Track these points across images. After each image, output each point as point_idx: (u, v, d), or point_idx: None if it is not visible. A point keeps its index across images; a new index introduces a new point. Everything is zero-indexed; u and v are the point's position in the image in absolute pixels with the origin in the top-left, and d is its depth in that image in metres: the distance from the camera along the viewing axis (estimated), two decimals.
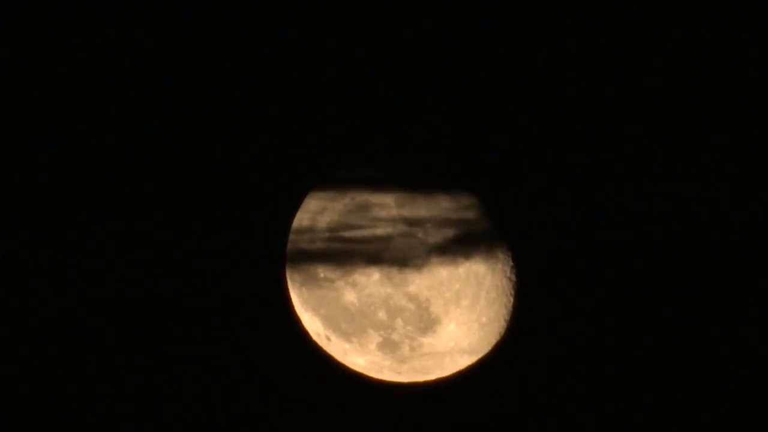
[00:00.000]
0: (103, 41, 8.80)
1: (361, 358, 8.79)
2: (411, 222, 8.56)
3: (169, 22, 8.83)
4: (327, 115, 8.85)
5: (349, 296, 8.59)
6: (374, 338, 8.67)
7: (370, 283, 8.55)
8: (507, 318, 8.83)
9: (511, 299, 8.80)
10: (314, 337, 8.84)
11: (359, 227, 8.57)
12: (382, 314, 8.59)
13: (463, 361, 8.86)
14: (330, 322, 8.69)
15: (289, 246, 8.74)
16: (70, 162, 8.84)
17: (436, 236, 8.56)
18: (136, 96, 8.84)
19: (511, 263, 8.78)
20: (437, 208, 8.62)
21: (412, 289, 8.56)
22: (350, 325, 8.65)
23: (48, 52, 8.79)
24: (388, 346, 8.68)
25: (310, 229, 8.73)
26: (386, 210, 8.60)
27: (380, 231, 8.55)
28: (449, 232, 8.60)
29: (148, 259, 8.80)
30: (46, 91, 8.82)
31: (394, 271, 8.51)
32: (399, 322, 8.63)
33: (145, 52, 8.84)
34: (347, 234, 8.59)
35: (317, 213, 8.75)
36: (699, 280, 8.99)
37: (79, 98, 8.82)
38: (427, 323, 8.64)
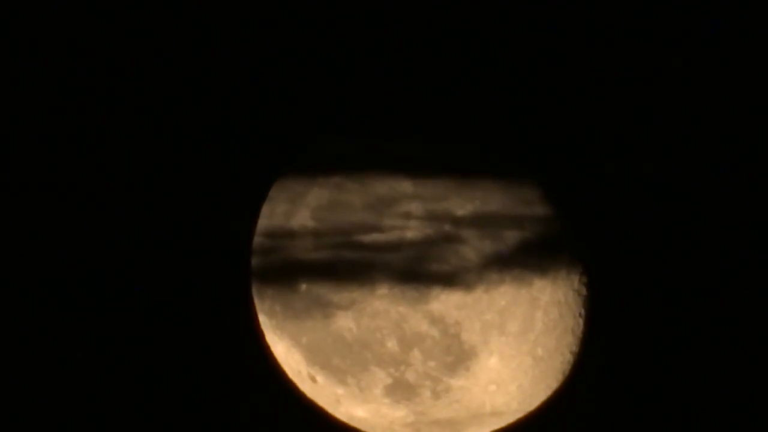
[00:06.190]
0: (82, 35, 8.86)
1: (362, 407, 8.03)
2: (436, 216, 7.72)
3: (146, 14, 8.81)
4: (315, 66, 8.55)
5: (344, 319, 7.71)
6: (380, 379, 7.80)
7: (374, 300, 7.61)
8: (574, 349, 8.02)
9: (581, 322, 7.96)
10: (293, 376, 8.16)
11: (358, 221, 7.77)
12: (391, 344, 7.68)
13: (511, 414, 8.10)
14: (316, 355, 7.88)
15: (256, 250, 8.09)
16: (39, 157, 8.83)
17: (473, 236, 7.72)
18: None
19: (581, 271, 7.92)
20: (475, 196, 7.74)
21: (435, 307, 7.60)
22: (345, 360, 7.80)
23: (33, 49, 8.86)
24: (401, 390, 7.82)
25: (285, 227, 7.92)
26: (400, 199, 7.74)
27: (389, 227, 7.71)
28: (492, 231, 7.74)
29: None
30: (30, 87, 8.87)
31: (409, 284, 7.62)
32: (416, 355, 7.69)
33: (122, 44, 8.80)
34: (339, 231, 7.77)
35: (295, 204, 7.93)
36: None
37: (51, 92, 8.85)
38: (458, 357, 7.74)
